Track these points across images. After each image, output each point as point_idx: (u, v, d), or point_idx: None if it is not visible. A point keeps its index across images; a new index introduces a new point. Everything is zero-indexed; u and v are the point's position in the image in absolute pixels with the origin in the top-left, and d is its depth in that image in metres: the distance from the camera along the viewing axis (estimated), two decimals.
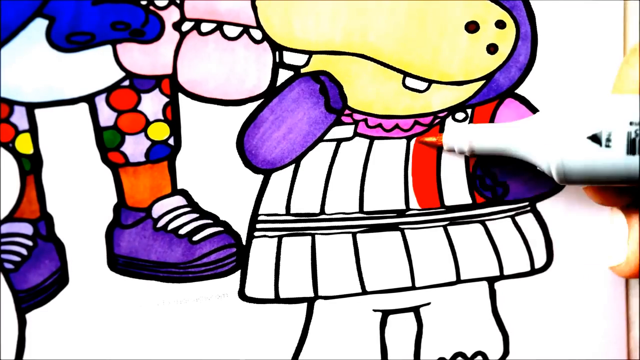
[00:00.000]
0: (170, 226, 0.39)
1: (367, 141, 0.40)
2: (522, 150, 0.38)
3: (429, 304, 0.42)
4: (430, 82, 0.40)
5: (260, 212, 0.40)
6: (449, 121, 0.40)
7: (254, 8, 0.38)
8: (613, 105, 0.35)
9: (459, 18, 0.40)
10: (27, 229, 0.37)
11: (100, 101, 0.37)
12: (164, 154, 0.38)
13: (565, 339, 0.43)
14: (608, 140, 0.34)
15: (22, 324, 0.38)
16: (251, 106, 0.39)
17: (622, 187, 0.38)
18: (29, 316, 0.38)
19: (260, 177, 0.39)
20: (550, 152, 0.36)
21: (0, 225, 0.37)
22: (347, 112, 0.40)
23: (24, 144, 0.37)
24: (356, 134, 0.40)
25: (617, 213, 0.40)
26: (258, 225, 0.40)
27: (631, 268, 0.39)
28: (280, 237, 0.40)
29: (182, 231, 0.39)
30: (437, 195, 0.41)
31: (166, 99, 0.38)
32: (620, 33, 0.41)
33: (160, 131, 0.38)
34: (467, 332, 0.42)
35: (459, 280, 0.42)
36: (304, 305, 0.41)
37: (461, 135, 0.39)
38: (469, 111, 0.41)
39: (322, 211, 0.40)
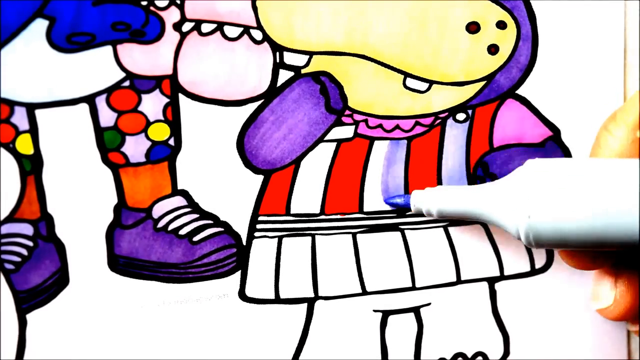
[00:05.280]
0: (171, 227, 0.39)
1: (367, 142, 0.40)
2: (490, 214, 0.37)
3: (429, 304, 0.42)
4: (431, 82, 0.40)
5: (260, 213, 0.40)
6: (415, 191, 0.40)
7: (255, 8, 0.38)
8: (587, 170, 0.34)
9: (460, 19, 0.40)
10: (28, 229, 0.37)
11: (101, 102, 0.37)
12: (165, 154, 0.38)
13: (566, 339, 0.43)
14: None
15: (22, 325, 0.38)
16: (251, 107, 0.39)
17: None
18: (30, 316, 0.38)
19: (261, 177, 0.39)
20: (518, 215, 0.35)
21: (0, 226, 0.37)
22: (347, 112, 0.40)
23: (24, 145, 0.37)
24: (356, 134, 0.40)
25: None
26: (258, 226, 0.40)
27: (621, 311, 0.38)
28: (280, 238, 0.40)
29: (183, 232, 0.39)
30: None
31: (166, 100, 0.38)
32: (620, 34, 0.41)
33: (160, 132, 0.38)
34: (468, 332, 0.42)
35: (459, 281, 0.42)
36: (304, 306, 0.41)
37: (429, 199, 0.39)
38: (469, 112, 0.41)
39: (322, 212, 0.40)
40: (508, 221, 0.36)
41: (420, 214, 0.40)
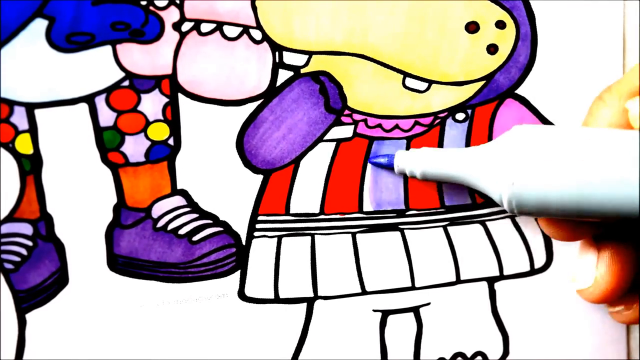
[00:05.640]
0: (170, 226, 0.39)
1: (366, 141, 0.40)
2: (473, 178, 0.37)
3: (428, 304, 0.42)
4: (431, 82, 0.40)
5: (259, 212, 0.40)
6: (399, 151, 0.40)
7: (254, 8, 0.38)
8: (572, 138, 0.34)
9: (459, 18, 0.40)
10: (27, 229, 0.37)
11: (100, 101, 0.37)
12: (164, 154, 0.38)
13: (565, 339, 0.43)
14: None
15: (22, 324, 0.38)
16: (251, 106, 0.39)
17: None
18: (29, 316, 0.38)
19: (260, 177, 0.39)
20: (502, 180, 0.35)
21: (0, 226, 0.37)
22: (346, 112, 0.40)
23: (24, 144, 0.37)
24: (356, 134, 0.40)
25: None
26: (258, 226, 0.40)
27: (601, 292, 0.37)
28: (279, 237, 0.40)
29: (182, 231, 0.39)
30: (437, 196, 0.41)
31: (166, 99, 0.38)
32: (619, 33, 0.41)
33: (160, 131, 0.38)
34: (467, 332, 0.42)
35: (458, 281, 0.42)
36: (304, 306, 0.41)
37: (412, 160, 0.39)
38: (469, 111, 0.41)
39: (322, 211, 0.40)
40: (491, 187, 0.36)
41: (404, 174, 0.40)
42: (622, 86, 0.36)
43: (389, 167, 0.40)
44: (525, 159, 0.34)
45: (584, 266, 0.38)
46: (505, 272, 0.42)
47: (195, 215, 0.39)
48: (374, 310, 0.41)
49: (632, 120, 0.34)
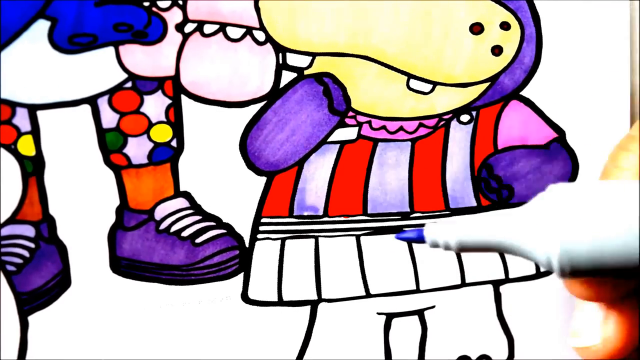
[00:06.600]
0: (173, 228, 0.39)
1: (370, 143, 0.40)
2: (516, 243, 0.33)
3: (433, 307, 0.42)
4: (435, 84, 0.40)
5: (263, 215, 0.39)
6: (428, 224, 0.34)
7: (257, 9, 0.38)
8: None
9: (464, 20, 0.40)
10: (29, 231, 0.37)
11: (103, 103, 0.37)
12: (167, 155, 0.38)
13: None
14: None
15: (24, 327, 0.38)
16: (254, 108, 0.39)
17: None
18: (31, 319, 0.38)
19: (263, 179, 0.39)
20: (550, 240, 0.31)
21: (2, 228, 0.37)
22: (350, 114, 0.40)
23: (26, 146, 0.37)
24: (360, 136, 0.40)
25: None
26: (261, 228, 0.40)
27: (609, 351, 0.32)
28: (283, 240, 0.40)
29: (185, 233, 0.39)
30: (441, 198, 0.41)
31: (169, 101, 0.38)
32: (626, 34, 0.41)
33: (162, 133, 0.38)
34: (472, 335, 0.42)
35: (463, 284, 0.42)
36: (308, 308, 0.40)
37: (447, 232, 0.33)
38: (473, 113, 0.41)
39: (326, 213, 0.40)
40: (538, 249, 0.32)
41: (436, 246, 0.35)
42: None
43: (420, 241, 0.36)
44: (572, 216, 0.31)
45: (589, 318, 0.33)
46: (511, 275, 0.42)
47: (198, 218, 0.39)
48: (378, 313, 0.41)
49: None
